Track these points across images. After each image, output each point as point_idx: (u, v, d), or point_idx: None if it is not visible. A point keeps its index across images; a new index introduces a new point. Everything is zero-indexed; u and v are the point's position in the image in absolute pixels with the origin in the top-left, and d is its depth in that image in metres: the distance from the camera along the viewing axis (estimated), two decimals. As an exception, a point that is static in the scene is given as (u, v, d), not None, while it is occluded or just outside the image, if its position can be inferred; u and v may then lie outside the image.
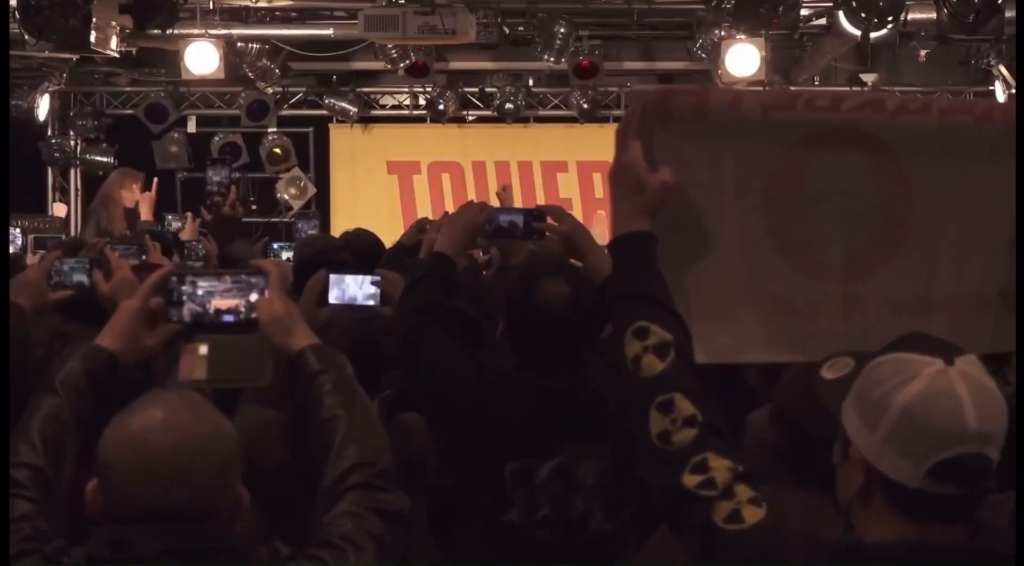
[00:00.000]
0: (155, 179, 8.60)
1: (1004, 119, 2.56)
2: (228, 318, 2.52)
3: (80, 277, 3.53)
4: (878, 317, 2.53)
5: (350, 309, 3.58)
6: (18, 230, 6.20)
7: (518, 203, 8.47)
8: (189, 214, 7.28)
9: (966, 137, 2.55)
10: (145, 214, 8.80)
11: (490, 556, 3.19)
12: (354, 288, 3.62)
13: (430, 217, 7.80)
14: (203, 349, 2.51)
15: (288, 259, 5.57)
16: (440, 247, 3.47)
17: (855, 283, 2.58)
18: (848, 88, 11.34)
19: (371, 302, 3.62)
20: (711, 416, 2.15)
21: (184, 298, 2.52)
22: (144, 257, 4.45)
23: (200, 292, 2.52)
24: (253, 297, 2.52)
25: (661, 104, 2.44)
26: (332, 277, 3.63)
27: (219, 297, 2.52)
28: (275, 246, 7.80)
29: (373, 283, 3.65)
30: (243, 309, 2.52)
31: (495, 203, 7.22)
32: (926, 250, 2.60)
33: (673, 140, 2.43)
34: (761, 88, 11.18)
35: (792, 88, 11.36)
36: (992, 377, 2.00)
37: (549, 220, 3.58)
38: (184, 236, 7.17)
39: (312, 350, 2.47)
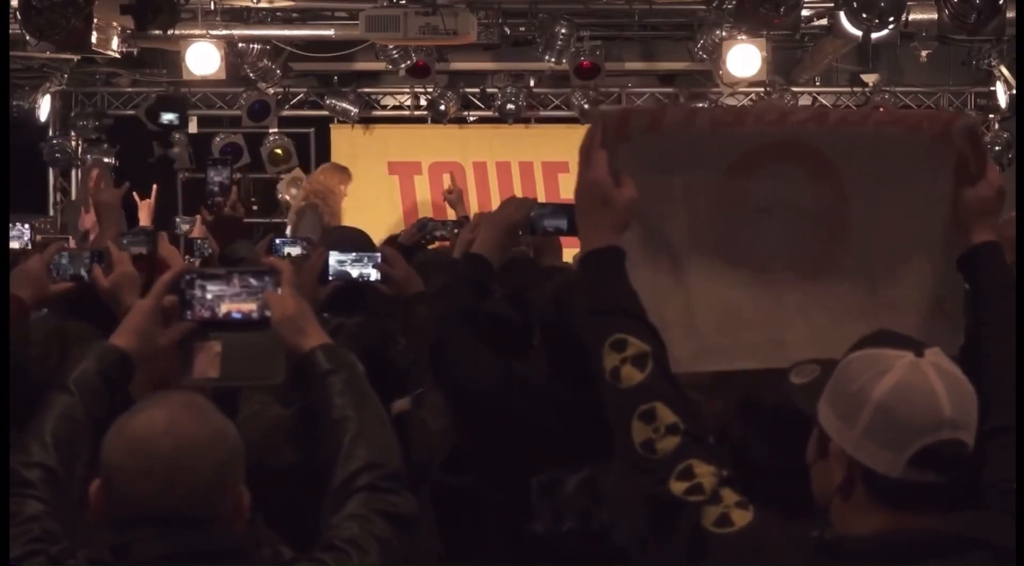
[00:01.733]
0: (155, 186, 8.59)
1: (932, 130, 2.61)
2: (241, 316, 2.52)
3: (77, 270, 3.51)
4: (821, 324, 2.59)
5: (350, 286, 3.60)
6: (27, 227, 6.19)
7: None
8: (198, 217, 7.28)
9: (898, 147, 2.62)
10: (144, 220, 8.80)
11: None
12: (355, 265, 3.64)
13: (431, 217, 7.81)
14: (216, 347, 2.52)
15: (290, 254, 5.55)
16: (477, 248, 3.45)
17: (798, 292, 2.65)
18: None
19: (372, 279, 3.65)
20: (692, 423, 2.20)
21: (197, 297, 2.52)
22: (152, 247, 4.43)
23: (213, 291, 2.52)
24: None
25: (620, 122, 2.51)
26: (333, 254, 3.65)
27: (232, 295, 2.52)
28: (277, 241, 7.78)
29: (374, 262, 3.67)
30: (256, 307, 2.51)
31: (496, 203, 7.23)
32: (865, 258, 2.67)
33: (630, 157, 2.49)
34: (762, 90, 11.20)
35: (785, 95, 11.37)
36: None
37: None
38: (195, 235, 7.16)
39: (323, 350, 2.47)
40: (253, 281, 2.52)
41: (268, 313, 2.50)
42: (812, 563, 2.03)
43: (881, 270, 2.68)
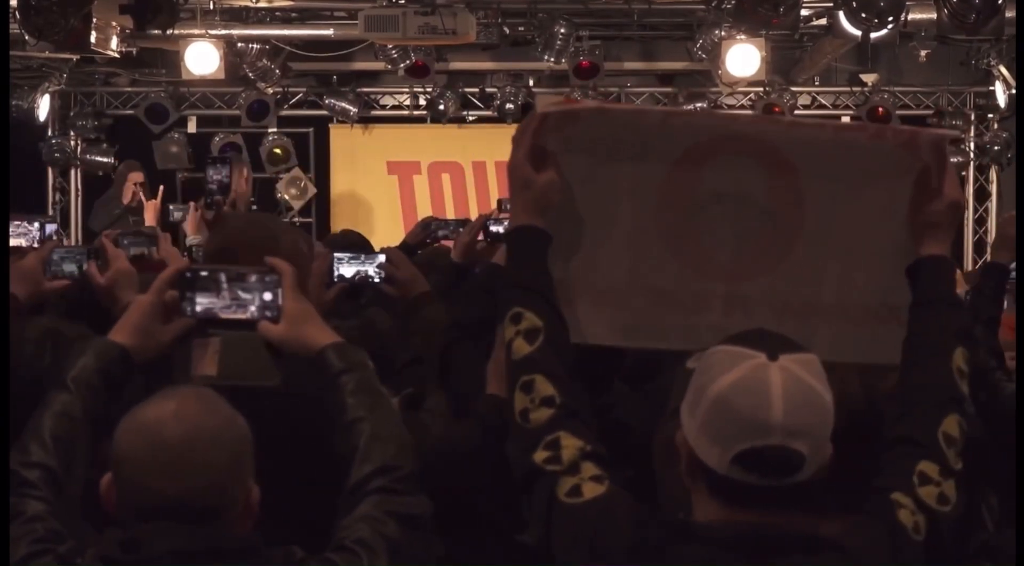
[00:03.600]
0: (161, 187, 8.58)
1: (896, 141, 2.62)
2: (241, 315, 2.51)
3: (71, 267, 3.50)
4: (761, 318, 2.59)
5: (356, 288, 3.61)
6: (36, 224, 6.17)
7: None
8: (191, 203, 7.26)
9: (858, 154, 2.63)
10: (149, 220, 8.79)
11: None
12: (359, 268, 3.65)
13: (435, 217, 7.80)
14: (215, 345, 2.51)
15: None
16: (500, 258, 3.46)
17: (741, 283, 2.68)
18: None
19: (376, 281, 3.65)
20: (572, 399, 2.29)
21: (198, 294, 2.51)
22: (154, 248, 4.42)
23: (215, 289, 2.51)
24: (267, 295, 2.51)
25: (567, 113, 2.57)
26: (337, 256, 3.65)
27: (235, 294, 2.51)
28: None
29: (378, 263, 3.68)
30: (258, 307, 2.51)
31: (495, 203, 7.23)
32: (814, 258, 2.68)
33: (575, 140, 2.56)
34: (761, 89, 11.20)
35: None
36: (825, 378, 2.09)
37: None
38: (187, 227, 7.14)
39: (334, 349, 2.45)
40: (255, 280, 2.51)
41: (270, 314, 2.49)
42: (645, 538, 2.09)
43: (831, 271, 2.69)
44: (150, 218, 8.65)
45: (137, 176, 9.22)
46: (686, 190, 2.64)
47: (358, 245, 3.94)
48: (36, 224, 6.14)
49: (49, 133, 11.93)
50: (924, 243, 2.57)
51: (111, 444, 2.12)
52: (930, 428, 2.31)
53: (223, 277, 2.51)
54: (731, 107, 11.60)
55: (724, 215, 2.65)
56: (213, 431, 2.08)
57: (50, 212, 11.93)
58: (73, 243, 10.73)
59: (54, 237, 6.50)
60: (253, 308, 2.50)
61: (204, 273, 2.52)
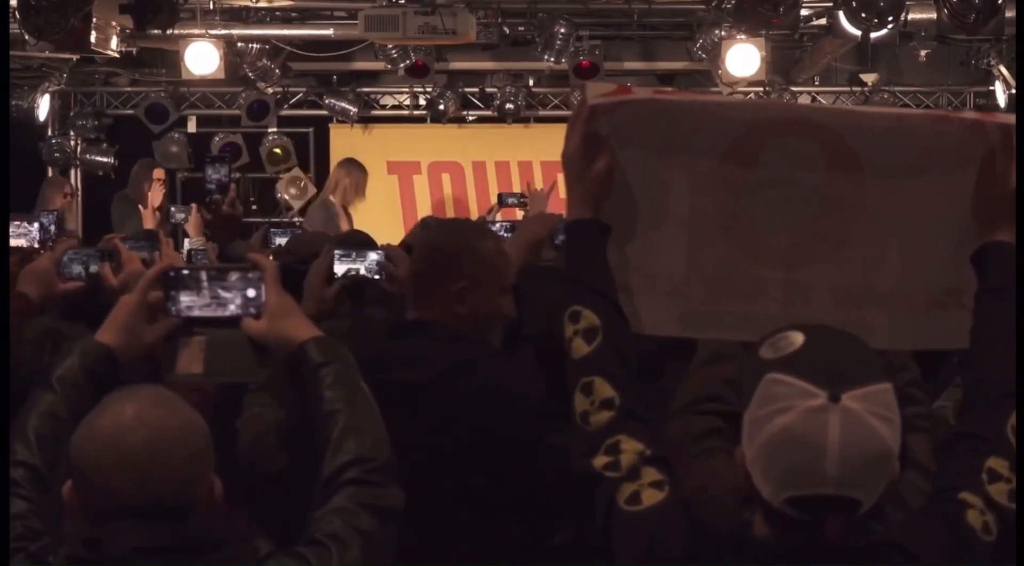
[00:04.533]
0: (163, 190, 8.58)
1: (961, 125, 2.57)
2: (225, 313, 2.52)
3: (78, 268, 3.50)
4: (821, 305, 2.57)
5: (356, 284, 3.62)
6: (36, 224, 6.17)
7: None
8: (194, 205, 7.25)
9: (920, 138, 2.57)
10: (148, 222, 8.81)
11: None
12: (350, 266, 3.65)
13: (435, 216, 7.81)
14: (200, 344, 2.51)
15: (281, 244, 5.55)
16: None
17: (799, 269, 2.62)
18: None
19: (376, 278, 3.66)
20: (632, 401, 2.24)
21: (182, 293, 2.52)
22: (156, 252, 4.43)
23: (198, 287, 2.52)
24: (250, 292, 2.51)
25: (618, 103, 2.52)
26: (338, 253, 3.66)
27: (216, 292, 2.52)
28: (273, 230, 7.81)
29: (371, 261, 3.68)
30: (240, 304, 2.51)
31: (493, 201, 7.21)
32: (875, 243, 2.63)
33: (626, 123, 2.52)
34: (761, 89, 11.19)
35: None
36: (895, 407, 1.99)
37: None
38: (189, 228, 7.15)
39: (314, 342, 2.46)
40: (238, 277, 2.52)
41: (253, 310, 2.50)
42: (702, 549, 2.05)
43: (892, 256, 2.63)
44: (148, 218, 8.67)
45: (160, 173, 9.27)
46: (740, 176, 2.58)
47: (360, 243, 3.94)
48: (36, 224, 6.14)
49: (49, 133, 11.92)
50: (989, 229, 2.49)
51: (70, 449, 2.12)
52: (998, 422, 2.22)
53: (204, 276, 2.52)
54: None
55: (780, 200, 2.59)
56: (174, 433, 2.08)
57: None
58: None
59: (52, 229, 6.49)
60: (233, 306, 2.51)
61: (186, 272, 2.54)
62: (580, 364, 2.30)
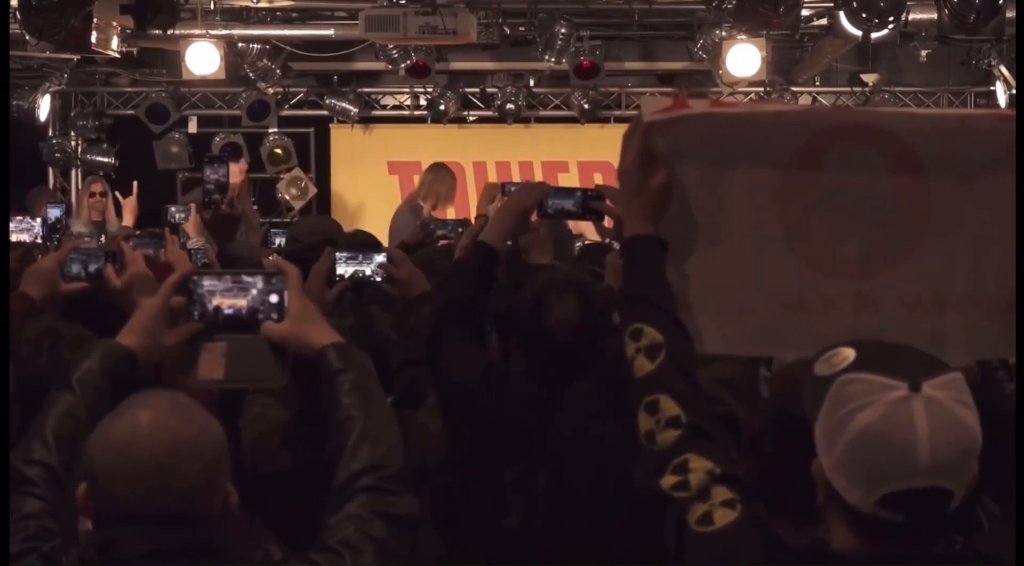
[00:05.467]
0: (135, 183, 8.62)
1: None
2: (247, 318, 2.52)
3: (77, 269, 3.50)
4: (892, 314, 2.51)
5: (357, 288, 3.62)
6: (38, 220, 6.17)
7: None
8: (192, 205, 7.23)
9: (987, 136, 2.51)
10: (127, 220, 8.79)
11: (490, 559, 3.20)
12: (357, 268, 3.65)
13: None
14: (221, 349, 2.51)
15: (281, 244, 5.56)
16: (485, 236, 3.46)
17: (869, 279, 2.55)
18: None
19: (377, 279, 3.66)
20: (698, 418, 2.17)
21: (203, 298, 2.52)
22: (161, 250, 4.41)
23: (220, 292, 2.52)
24: (272, 298, 2.51)
25: (674, 119, 2.45)
26: (339, 255, 3.66)
27: (238, 297, 2.52)
28: (273, 230, 7.82)
29: (376, 263, 3.68)
30: (262, 309, 2.51)
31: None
32: (944, 248, 2.56)
33: (683, 138, 2.45)
34: (762, 89, 11.19)
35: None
36: (974, 393, 1.95)
37: (608, 202, 3.55)
38: (188, 228, 7.13)
39: (334, 348, 2.46)
40: (260, 283, 2.52)
41: (275, 316, 2.50)
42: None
43: (961, 261, 2.56)
44: (128, 216, 8.67)
45: (97, 186, 9.37)
46: (804, 187, 2.52)
47: (361, 244, 3.94)
48: (38, 220, 6.14)
49: (50, 133, 11.93)
50: None
51: (84, 452, 2.12)
52: None
53: (229, 280, 2.53)
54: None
55: (846, 209, 2.53)
56: (189, 444, 2.06)
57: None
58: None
59: (62, 219, 6.49)
60: (255, 291, 2.51)
61: (210, 277, 2.55)
62: (644, 382, 2.23)
